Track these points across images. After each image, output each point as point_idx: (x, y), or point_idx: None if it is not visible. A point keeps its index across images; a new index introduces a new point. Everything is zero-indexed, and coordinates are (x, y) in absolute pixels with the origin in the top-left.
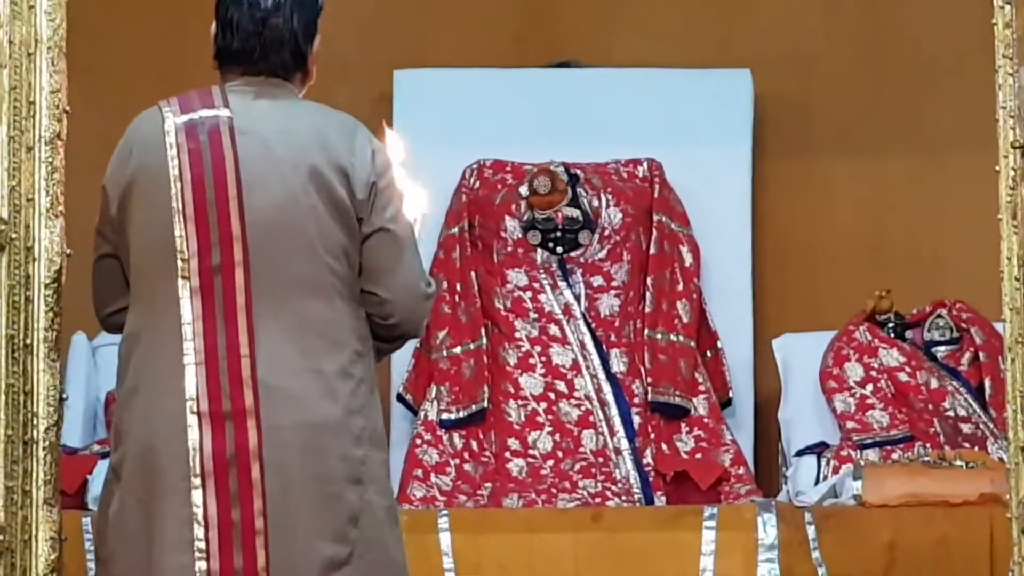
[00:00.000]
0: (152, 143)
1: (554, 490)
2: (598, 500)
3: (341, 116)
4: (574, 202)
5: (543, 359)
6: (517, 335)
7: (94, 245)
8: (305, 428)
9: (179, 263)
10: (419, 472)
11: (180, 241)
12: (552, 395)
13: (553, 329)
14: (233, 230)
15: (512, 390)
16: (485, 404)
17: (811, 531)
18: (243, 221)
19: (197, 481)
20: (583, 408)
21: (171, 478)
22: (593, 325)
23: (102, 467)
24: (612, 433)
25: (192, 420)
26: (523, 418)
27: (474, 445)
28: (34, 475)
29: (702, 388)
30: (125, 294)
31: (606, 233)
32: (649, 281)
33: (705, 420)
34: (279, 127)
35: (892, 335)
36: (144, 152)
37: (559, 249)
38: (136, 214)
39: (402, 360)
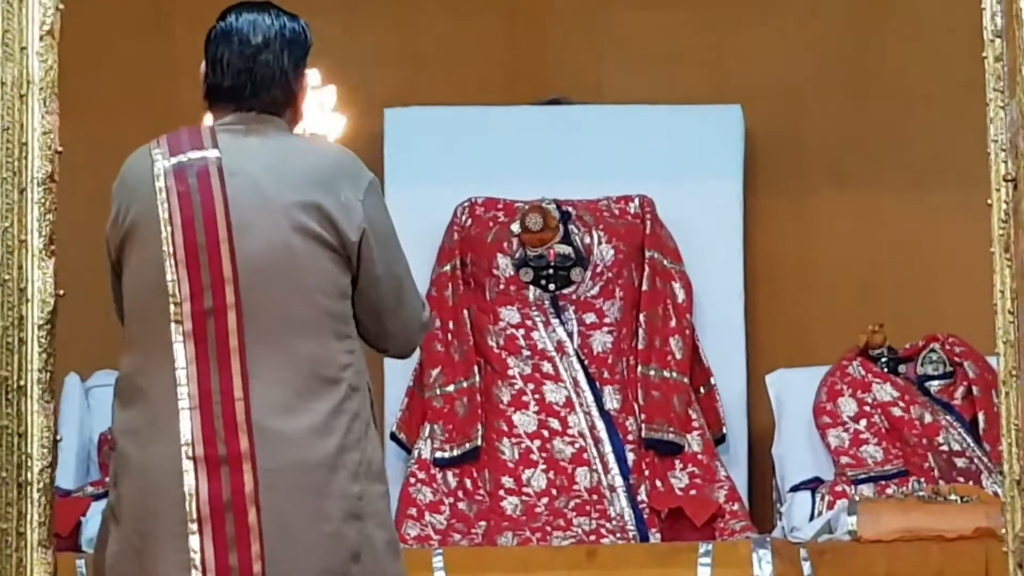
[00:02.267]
0: (143, 187)
1: (549, 528)
2: (593, 537)
3: (333, 152)
4: (566, 239)
5: (536, 396)
6: (510, 373)
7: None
8: (301, 468)
9: (171, 307)
10: (413, 511)
11: (172, 285)
12: (546, 432)
13: (546, 366)
14: (224, 273)
15: (506, 428)
16: (479, 442)
17: (806, 567)
18: (234, 263)
19: (194, 526)
20: (577, 445)
21: (167, 523)
22: (586, 362)
23: (96, 508)
24: (606, 470)
25: (188, 465)
26: (517, 456)
27: (468, 483)
28: (28, 517)
29: (696, 424)
30: None
31: (598, 270)
32: (642, 318)
33: (699, 456)
34: (269, 165)
35: (885, 370)
36: (135, 196)
37: (551, 286)
38: (129, 258)
39: (396, 399)
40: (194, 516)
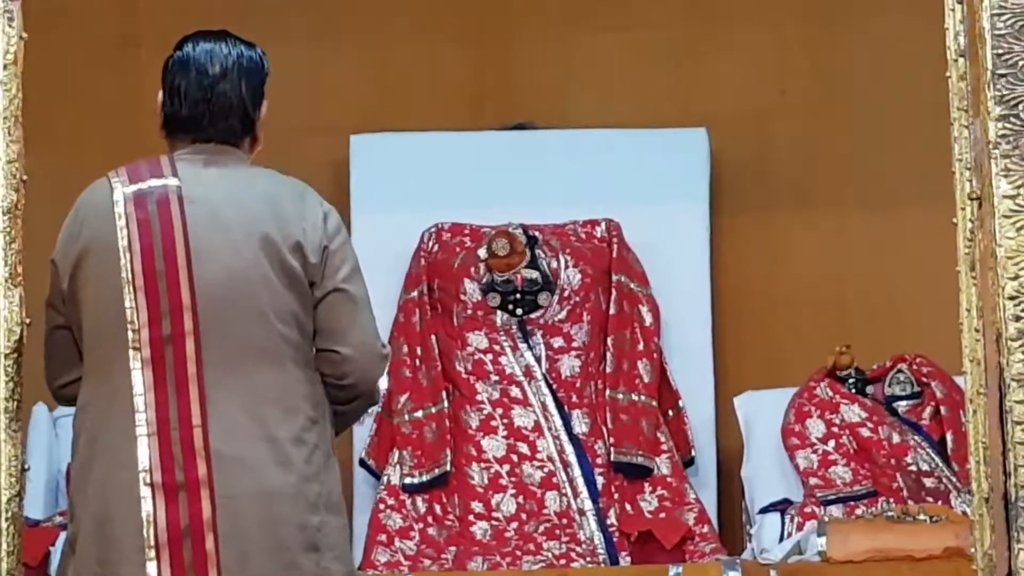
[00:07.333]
0: (101, 214)
1: (518, 552)
2: (563, 562)
3: (291, 181)
4: (533, 264)
5: (505, 421)
6: (478, 398)
7: (46, 318)
8: (260, 497)
9: (130, 334)
10: (383, 537)
11: (130, 312)
12: (515, 457)
13: (514, 391)
14: (183, 300)
15: (475, 453)
16: (448, 467)
17: None
18: (193, 291)
19: (152, 553)
20: (546, 470)
21: (126, 550)
22: (554, 386)
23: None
24: (575, 494)
25: (146, 492)
26: (486, 481)
27: (437, 509)
28: None
29: (664, 447)
30: (78, 366)
31: (565, 294)
32: (609, 341)
33: (668, 479)
34: (229, 195)
35: (853, 391)
36: (94, 224)
37: (519, 311)
38: (87, 286)
39: (364, 425)
40: (152, 543)
